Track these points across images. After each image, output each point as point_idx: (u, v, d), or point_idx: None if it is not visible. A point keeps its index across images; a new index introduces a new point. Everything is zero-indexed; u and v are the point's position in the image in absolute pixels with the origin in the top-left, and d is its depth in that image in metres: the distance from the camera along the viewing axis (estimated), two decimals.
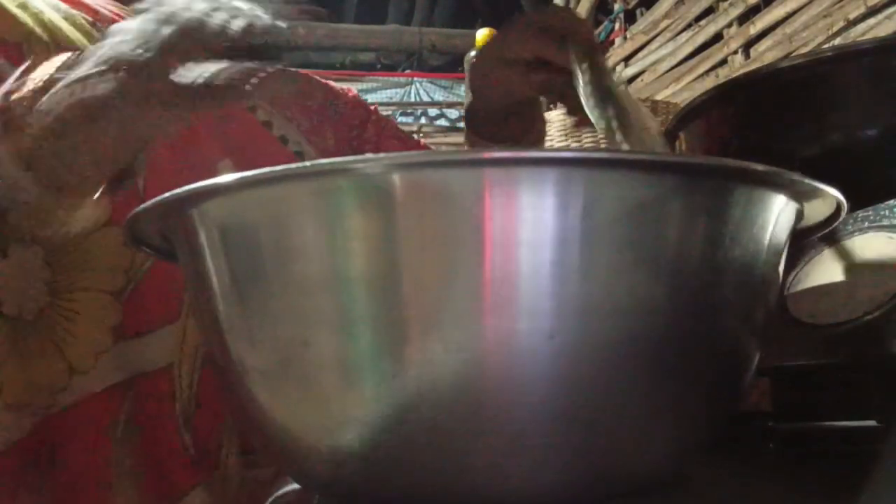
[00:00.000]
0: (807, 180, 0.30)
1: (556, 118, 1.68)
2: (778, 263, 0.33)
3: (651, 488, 0.33)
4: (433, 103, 4.31)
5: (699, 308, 0.29)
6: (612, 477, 0.31)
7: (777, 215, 0.31)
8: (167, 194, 0.31)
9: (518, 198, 0.26)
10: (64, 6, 0.62)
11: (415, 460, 0.29)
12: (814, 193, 0.32)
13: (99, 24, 0.62)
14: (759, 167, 0.28)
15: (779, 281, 0.34)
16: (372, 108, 0.85)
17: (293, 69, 0.82)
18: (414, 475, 0.29)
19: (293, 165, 0.27)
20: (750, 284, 0.31)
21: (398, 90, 4.32)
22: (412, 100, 4.30)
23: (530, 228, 0.26)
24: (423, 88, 4.38)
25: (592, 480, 0.30)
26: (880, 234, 0.45)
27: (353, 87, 0.88)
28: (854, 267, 0.45)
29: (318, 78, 0.83)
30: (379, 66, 4.54)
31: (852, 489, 0.32)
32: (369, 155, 0.26)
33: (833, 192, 0.32)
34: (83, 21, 0.62)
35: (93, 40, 0.61)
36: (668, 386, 0.30)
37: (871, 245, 0.45)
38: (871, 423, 0.42)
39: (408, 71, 4.52)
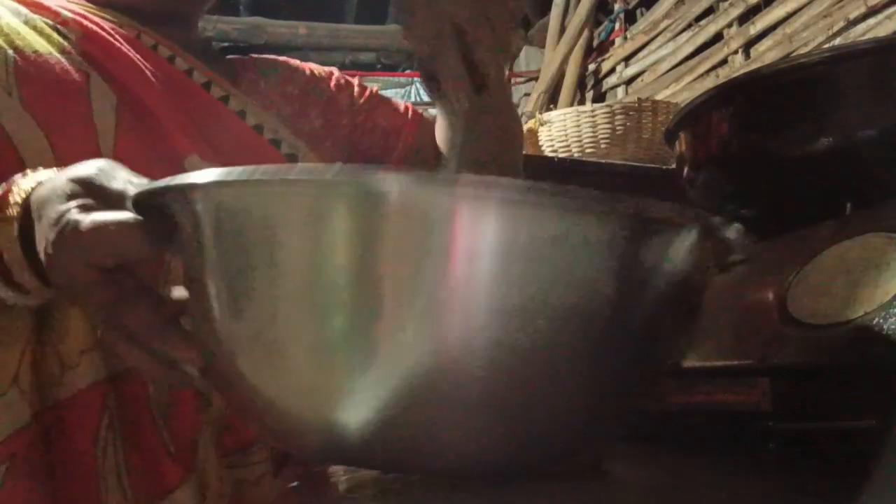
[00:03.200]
0: (696, 216, 0.34)
1: (556, 118, 1.68)
2: (686, 280, 0.36)
3: (567, 466, 0.38)
4: (433, 103, 4.31)
5: (614, 317, 0.33)
6: (529, 455, 0.35)
7: (683, 242, 0.34)
8: (169, 180, 0.35)
9: (473, 217, 0.31)
10: (24, 10, 0.62)
11: (373, 430, 0.33)
12: (712, 224, 0.35)
13: (61, 27, 0.62)
14: (657, 210, 0.32)
15: (683, 294, 0.38)
16: (355, 81, 0.85)
17: (272, 57, 0.82)
18: (374, 444, 0.34)
19: (289, 174, 0.31)
20: (662, 300, 0.35)
21: (398, 90, 4.32)
22: (412, 100, 4.29)
23: (481, 243, 0.31)
24: (423, 88, 4.39)
25: (517, 457, 0.35)
26: (880, 235, 0.45)
27: None
28: (854, 267, 0.45)
29: (298, 63, 0.83)
30: (379, 66, 4.54)
31: (852, 489, 0.32)
32: (354, 169, 0.31)
33: (728, 228, 0.35)
34: (44, 24, 0.62)
35: (53, 43, 0.61)
36: (583, 381, 0.34)
37: (871, 245, 0.45)
38: (871, 423, 0.42)
39: (408, 71, 4.52)
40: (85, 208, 0.41)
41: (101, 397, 0.55)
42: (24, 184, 0.46)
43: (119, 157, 0.59)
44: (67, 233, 0.40)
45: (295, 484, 0.46)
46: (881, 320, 0.41)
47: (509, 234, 0.31)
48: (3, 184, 0.47)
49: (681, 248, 0.35)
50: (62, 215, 0.41)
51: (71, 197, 0.42)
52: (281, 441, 0.40)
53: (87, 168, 0.44)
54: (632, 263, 0.33)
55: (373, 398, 0.32)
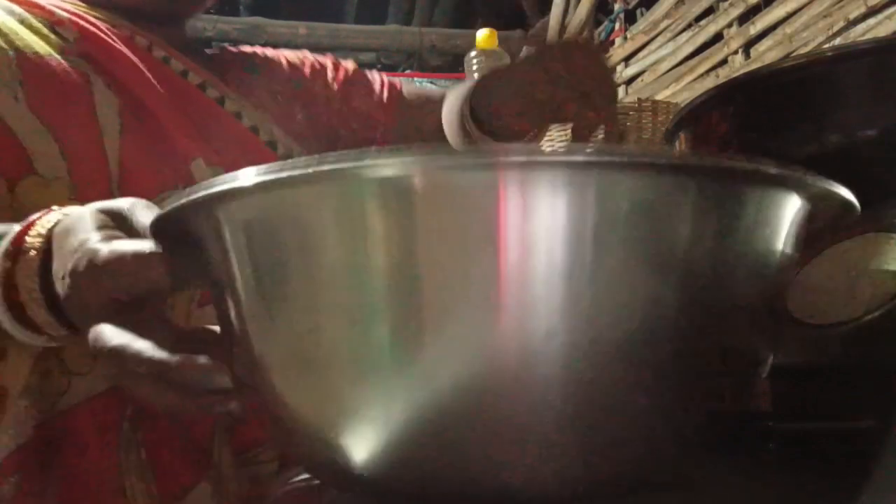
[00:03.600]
0: (819, 181, 0.30)
1: None
2: (788, 264, 0.33)
3: (654, 486, 0.33)
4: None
5: (707, 309, 0.29)
6: (613, 475, 0.31)
7: (789, 216, 0.31)
8: (192, 195, 0.31)
9: (531, 198, 0.26)
10: (19, 9, 0.62)
11: (421, 453, 0.29)
12: (825, 194, 0.31)
13: (57, 28, 0.62)
14: (772, 168, 0.28)
15: (788, 281, 0.34)
16: (328, 63, 0.84)
17: (248, 50, 0.82)
18: (420, 468, 0.30)
19: (313, 167, 0.27)
20: (759, 286, 0.31)
21: None
22: None
23: (541, 228, 0.26)
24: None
25: (593, 478, 0.30)
26: (880, 234, 0.45)
27: None
28: (854, 267, 0.45)
29: (273, 54, 0.82)
30: (379, 66, 4.53)
31: (852, 489, 0.32)
32: (388, 155, 0.26)
33: (844, 192, 0.32)
34: (40, 25, 0.61)
35: (51, 43, 0.61)
36: (671, 385, 0.30)
37: (871, 245, 0.45)
38: (871, 423, 0.42)
39: (408, 71, 4.52)
40: (108, 238, 0.40)
41: (119, 400, 0.55)
42: (51, 216, 0.44)
43: (125, 158, 0.59)
44: (86, 261, 0.39)
45: (297, 483, 0.46)
46: (881, 320, 0.41)
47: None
48: (27, 218, 0.45)
49: (791, 219, 0.30)
50: (83, 243, 0.39)
51: (97, 227, 0.40)
52: (320, 470, 0.36)
53: (120, 201, 0.43)
54: (731, 239, 0.28)
55: (423, 419, 0.28)
